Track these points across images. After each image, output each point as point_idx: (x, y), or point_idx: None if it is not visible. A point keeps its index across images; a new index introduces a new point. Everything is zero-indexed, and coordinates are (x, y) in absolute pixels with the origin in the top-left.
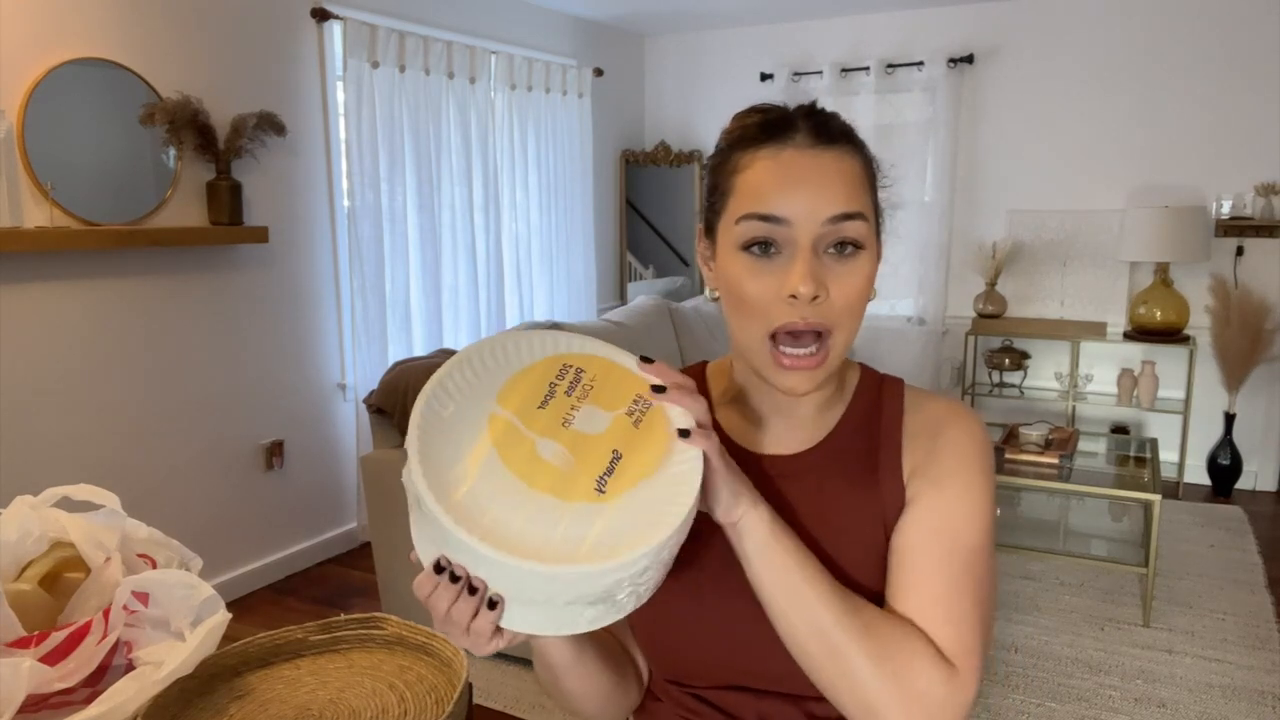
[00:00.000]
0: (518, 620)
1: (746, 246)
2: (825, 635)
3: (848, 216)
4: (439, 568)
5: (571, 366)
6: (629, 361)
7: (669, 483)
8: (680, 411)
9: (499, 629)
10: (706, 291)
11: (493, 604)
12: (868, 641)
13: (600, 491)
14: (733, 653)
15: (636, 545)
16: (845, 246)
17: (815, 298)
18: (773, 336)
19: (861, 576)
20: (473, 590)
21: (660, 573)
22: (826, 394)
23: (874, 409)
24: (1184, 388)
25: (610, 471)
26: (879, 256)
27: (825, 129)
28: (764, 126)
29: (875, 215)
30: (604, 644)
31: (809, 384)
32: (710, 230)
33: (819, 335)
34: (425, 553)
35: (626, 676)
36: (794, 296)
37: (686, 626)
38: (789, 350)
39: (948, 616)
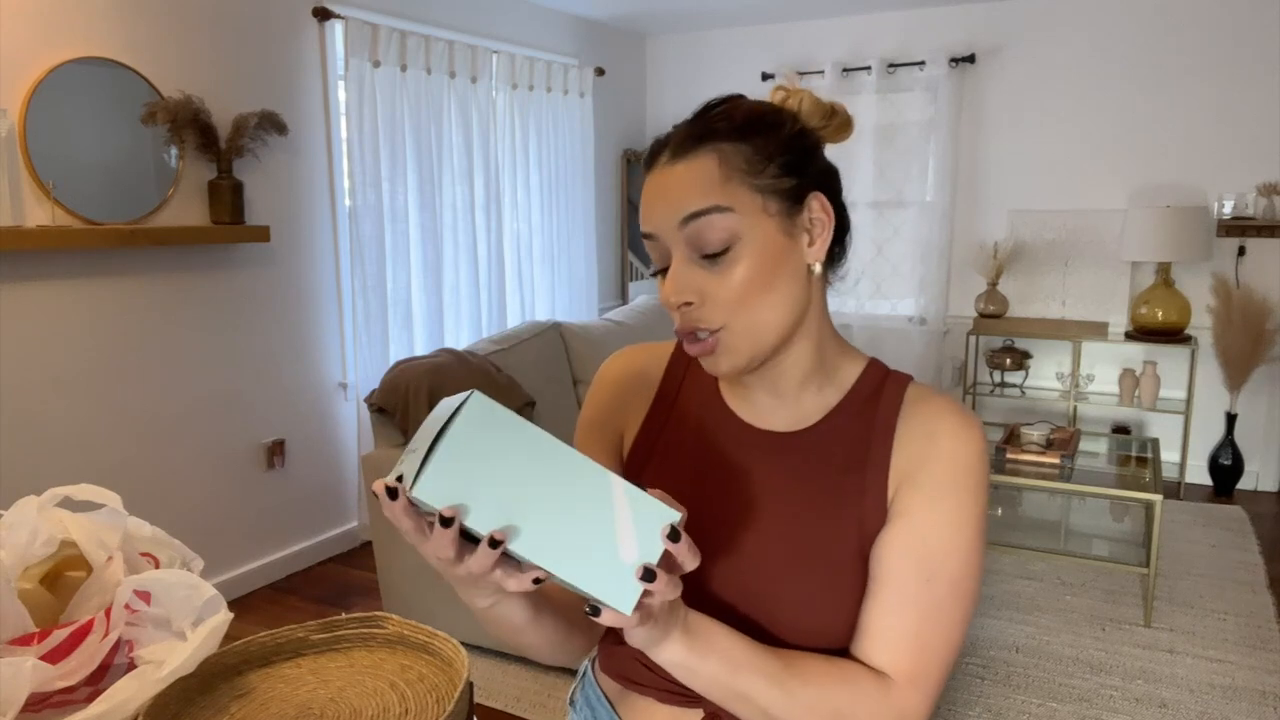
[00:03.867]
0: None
1: (655, 272)
2: (766, 710)
3: (698, 214)
4: (391, 491)
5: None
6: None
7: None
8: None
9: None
10: None
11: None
12: (800, 701)
13: None
14: (740, 598)
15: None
16: (716, 252)
17: (687, 304)
18: (683, 337)
19: (835, 556)
20: (445, 523)
21: None
22: (806, 375)
23: (873, 401)
24: (1185, 388)
25: None
26: (803, 231)
27: (683, 141)
28: (649, 153)
29: (768, 195)
30: (559, 601)
31: (716, 367)
32: None
33: (711, 330)
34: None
35: (577, 627)
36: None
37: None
38: (688, 346)
39: (916, 644)
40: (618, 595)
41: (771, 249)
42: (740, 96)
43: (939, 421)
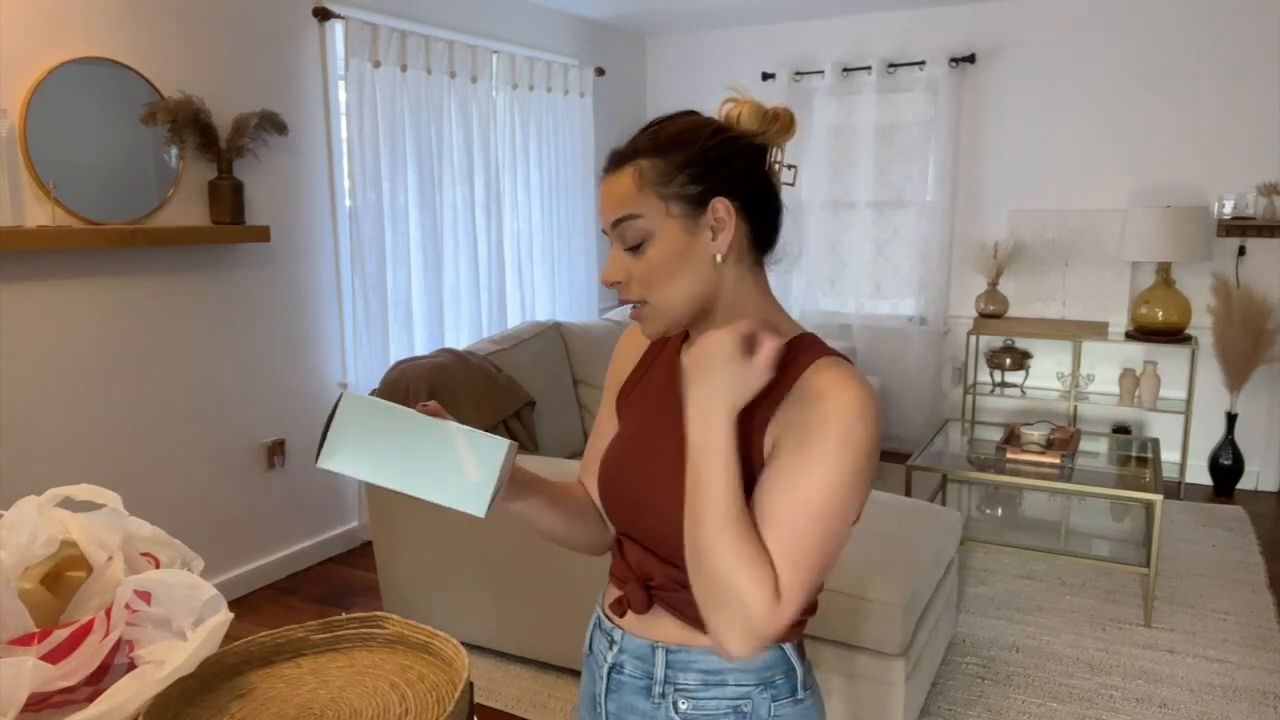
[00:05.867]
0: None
1: None
2: (724, 522)
3: (619, 220)
4: None
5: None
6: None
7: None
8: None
9: None
10: None
11: None
12: (725, 539)
13: None
14: (630, 507)
15: None
16: (634, 246)
17: (616, 283)
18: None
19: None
20: None
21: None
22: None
23: (784, 368)
24: (1186, 388)
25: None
26: (703, 229)
27: (613, 158)
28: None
29: (672, 201)
30: (582, 506)
31: (645, 329)
32: None
33: (638, 302)
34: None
35: (598, 526)
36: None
37: (610, 476)
38: (630, 313)
39: (787, 561)
40: (472, 504)
41: (675, 244)
42: (686, 114)
43: (828, 385)
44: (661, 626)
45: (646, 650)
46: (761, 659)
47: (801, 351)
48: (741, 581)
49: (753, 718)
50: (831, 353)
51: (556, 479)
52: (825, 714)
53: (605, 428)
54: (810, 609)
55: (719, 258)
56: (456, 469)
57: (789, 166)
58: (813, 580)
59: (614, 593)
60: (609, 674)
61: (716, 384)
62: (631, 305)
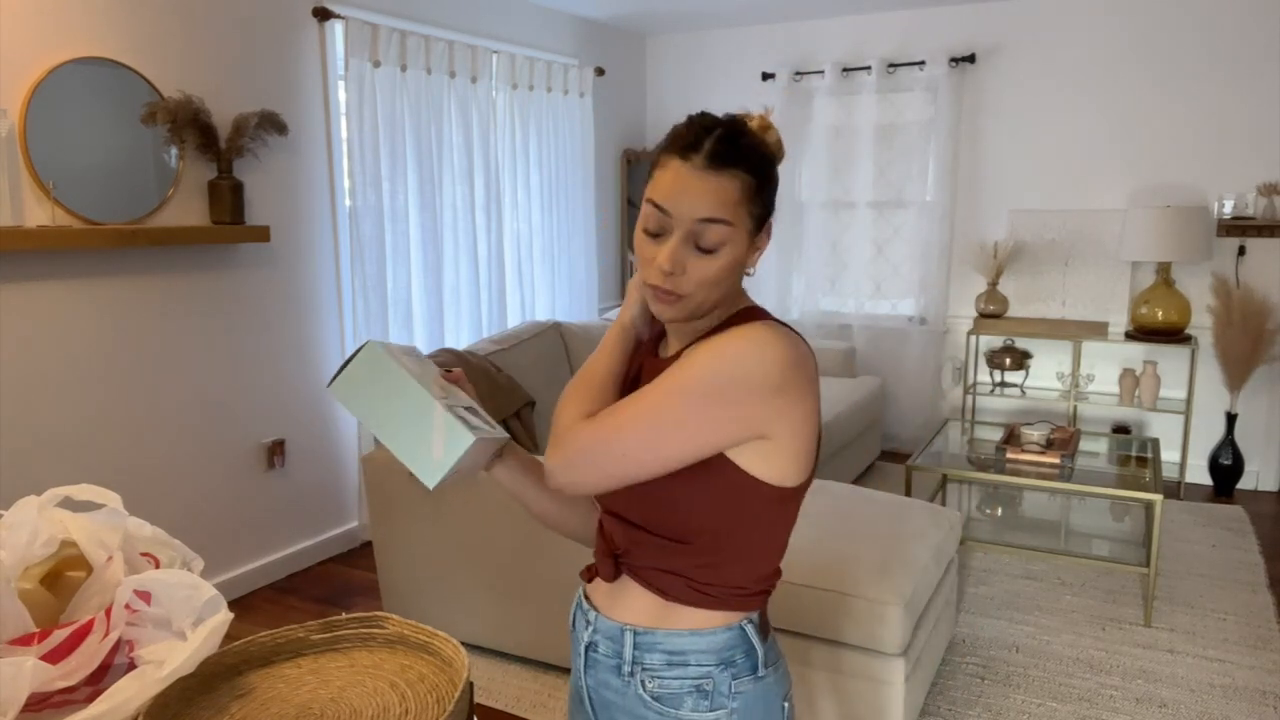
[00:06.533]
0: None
1: (645, 228)
2: (578, 382)
3: (712, 220)
4: None
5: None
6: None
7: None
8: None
9: None
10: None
11: None
12: (577, 395)
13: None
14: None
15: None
16: (709, 248)
17: (671, 273)
18: (651, 286)
19: None
20: None
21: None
22: (694, 323)
23: (718, 330)
24: (1185, 387)
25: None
26: (756, 248)
27: (717, 157)
28: (678, 138)
29: (754, 220)
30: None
31: (665, 314)
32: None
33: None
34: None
35: (588, 512)
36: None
37: None
38: (658, 293)
39: (603, 417)
40: (426, 476)
41: (738, 255)
42: (746, 124)
43: (730, 332)
44: (630, 608)
45: (617, 632)
46: (722, 639)
47: (745, 317)
48: (563, 412)
49: (715, 695)
50: (768, 318)
51: None
52: (790, 689)
53: None
54: (771, 581)
55: (752, 271)
56: (426, 442)
57: None
58: (609, 438)
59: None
60: (586, 651)
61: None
62: (660, 289)
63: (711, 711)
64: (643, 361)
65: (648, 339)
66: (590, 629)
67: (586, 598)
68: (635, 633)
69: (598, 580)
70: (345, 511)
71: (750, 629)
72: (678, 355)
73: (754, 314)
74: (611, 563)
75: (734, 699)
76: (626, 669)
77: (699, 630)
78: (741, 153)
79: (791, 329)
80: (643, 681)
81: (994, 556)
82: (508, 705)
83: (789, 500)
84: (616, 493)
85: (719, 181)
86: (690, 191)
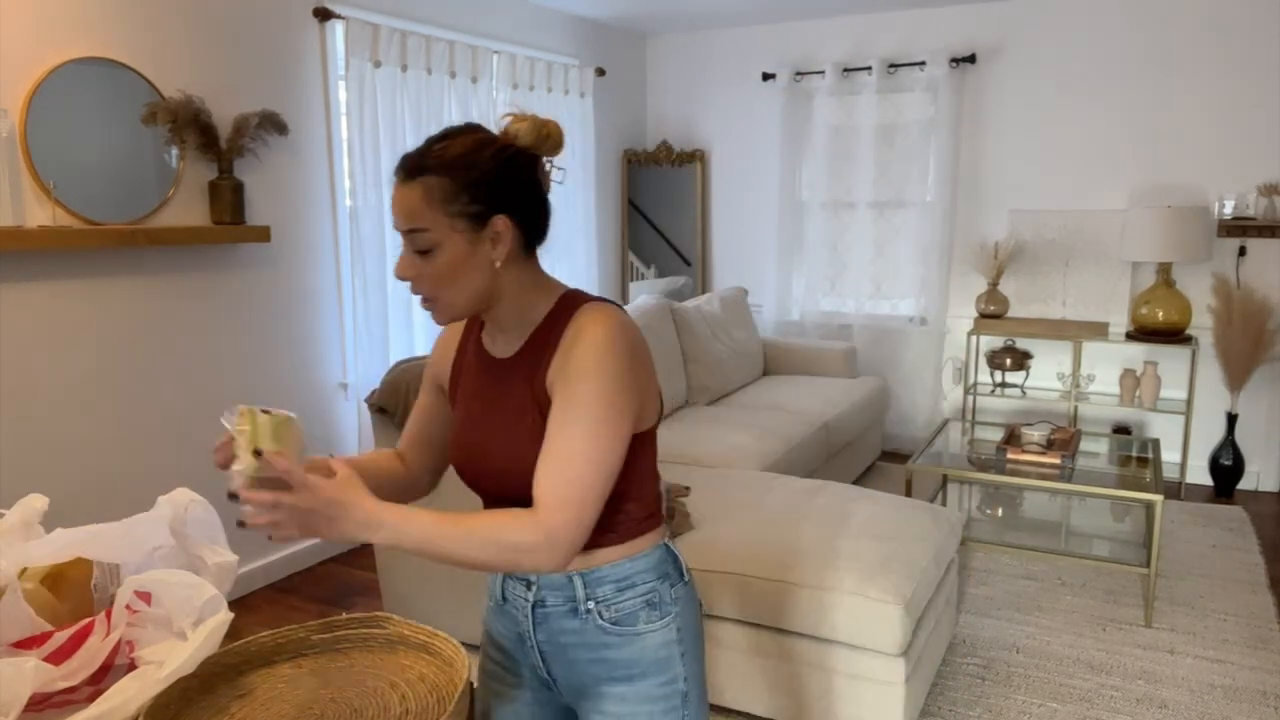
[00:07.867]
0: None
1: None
2: (458, 556)
3: (410, 231)
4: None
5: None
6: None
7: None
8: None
9: None
10: None
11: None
12: (474, 539)
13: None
14: (493, 477)
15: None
16: (423, 251)
17: (407, 280)
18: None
19: (519, 443)
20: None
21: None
22: (513, 320)
23: (554, 326)
24: (1186, 388)
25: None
26: (487, 241)
27: (407, 169)
28: (396, 165)
29: (462, 218)
30: (392, 473)
31: (435, 319)
32: None
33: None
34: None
35: (403, 486)
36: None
37: (467, 456)
38: (420, 303)
39: (560, 479)
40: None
41: (458, 254)
42: (470, 130)
43: (582, 327)
44: None
45: (563, 580)
46: (656, 556)
47: (566, 307)
48: (508, 538)
49: (661, 605)
50: (591, 299)
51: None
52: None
53: (426, 411)
54: (659, 503)
55: (498, 263)
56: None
57: (559, 168)
58: (588, 486)
59: None
60: (533, 610)
61: (339, 529)
62: (422, 297)
63: (661, 619)
64: (472, 360)
65: (463, 335)
66: (534, 589)
67: None
68: (581, 575)
69: None
70: None
71: (670, 545)
72: (523, 355)
73: (575, 300)
74: None
75: (674, 604)
76: (582, 608)
77: (634, 556)
78: (428, 161)
79: (607, 301)
80: (600, 613)
81: (994, 557)
82: None
83: (650, 437)
84: (511, 486)
85: (408, 191)
86: (394, 206)
